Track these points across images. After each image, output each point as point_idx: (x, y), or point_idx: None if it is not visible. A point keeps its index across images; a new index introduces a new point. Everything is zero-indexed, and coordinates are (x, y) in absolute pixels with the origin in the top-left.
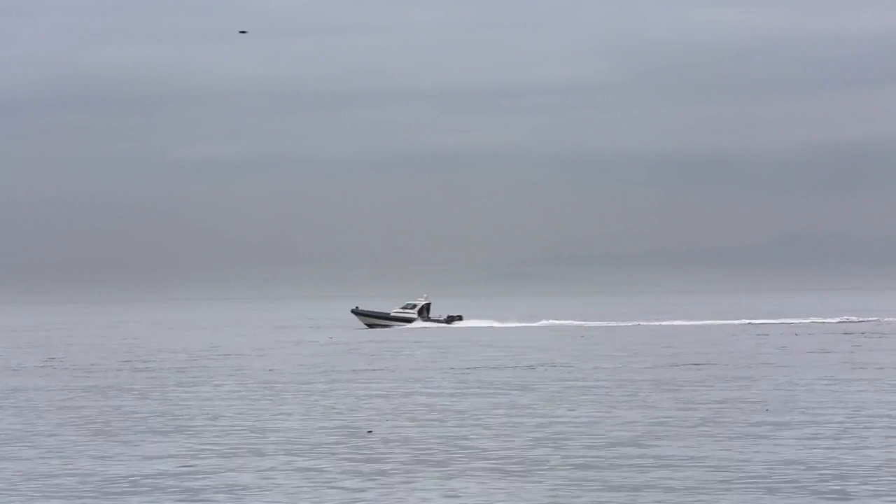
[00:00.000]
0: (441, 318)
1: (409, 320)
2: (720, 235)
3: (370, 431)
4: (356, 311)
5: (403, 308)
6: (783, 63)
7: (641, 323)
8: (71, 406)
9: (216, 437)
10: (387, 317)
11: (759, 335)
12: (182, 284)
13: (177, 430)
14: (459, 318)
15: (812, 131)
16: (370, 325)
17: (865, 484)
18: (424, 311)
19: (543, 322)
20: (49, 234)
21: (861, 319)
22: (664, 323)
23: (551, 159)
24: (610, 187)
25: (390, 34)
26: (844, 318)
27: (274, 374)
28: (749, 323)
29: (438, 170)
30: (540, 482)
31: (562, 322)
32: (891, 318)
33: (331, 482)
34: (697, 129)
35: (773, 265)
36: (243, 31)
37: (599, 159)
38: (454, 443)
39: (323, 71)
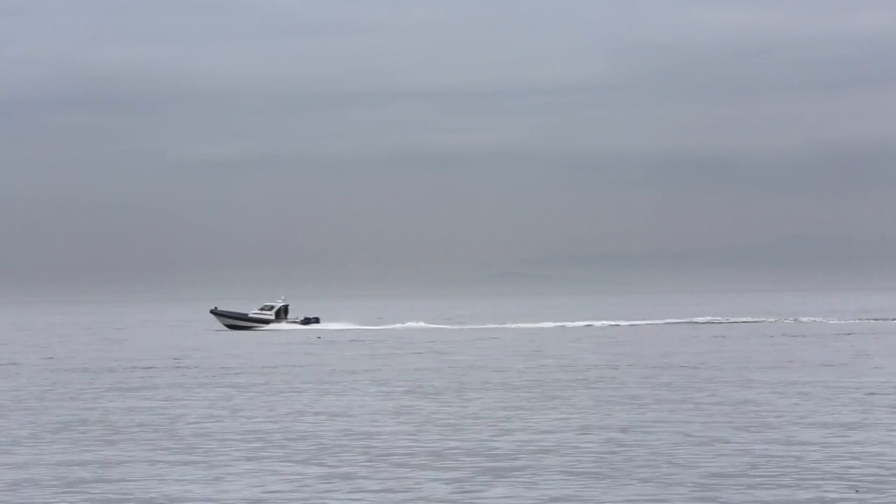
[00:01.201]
0: (298, 320)
1: (267, 321)
2: (720, 235)
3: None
4: (215, 312)
5: (261, 309)
6: (783, 63)
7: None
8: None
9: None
10: (245, 318)
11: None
12: (182, 284)
13: (152, 434)
14: (316, 320)
15: (812, 131)
16: (229, 326)
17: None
18: (282, 313)
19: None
20: (49, 234)
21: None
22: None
23: (551, 159)
24: (610, 187)
25: (390, 34)
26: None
27: (268, 376)
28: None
29: (438, 170)
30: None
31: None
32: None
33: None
34: (697, 129)
35: (773, 265)
36: None
37: (599, 159)
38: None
39: (323, 71)
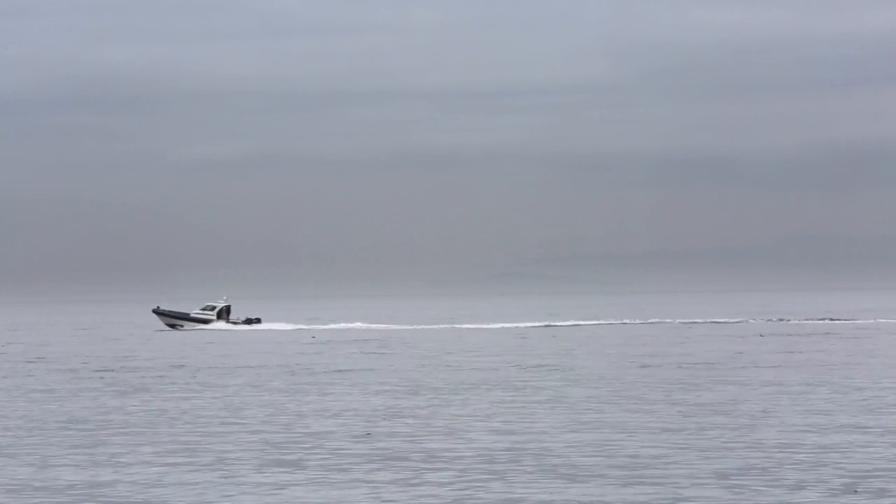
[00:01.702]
0: (239, 320)
1: (208, 321)
2: (720, 235)
3: (369, 434)
4: (157, 311)
5: (203, 309)
6: (784, 63)
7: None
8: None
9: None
10: (186, 317)
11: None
12: (182, 284)
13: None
14: (258, 320)
15: (812, 131)
16: (171, 326)
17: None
18: (224, 313)
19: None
20: (49, 234)
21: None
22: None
23: (551, 159)
24: (610, 187)
25: (391, 34)
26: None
27: (262, 377)
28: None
29: (438, 170)
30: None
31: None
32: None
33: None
34: (698, 129)
35: (773, 265)
36: None
37: (599, 159)
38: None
39: (323, 70)
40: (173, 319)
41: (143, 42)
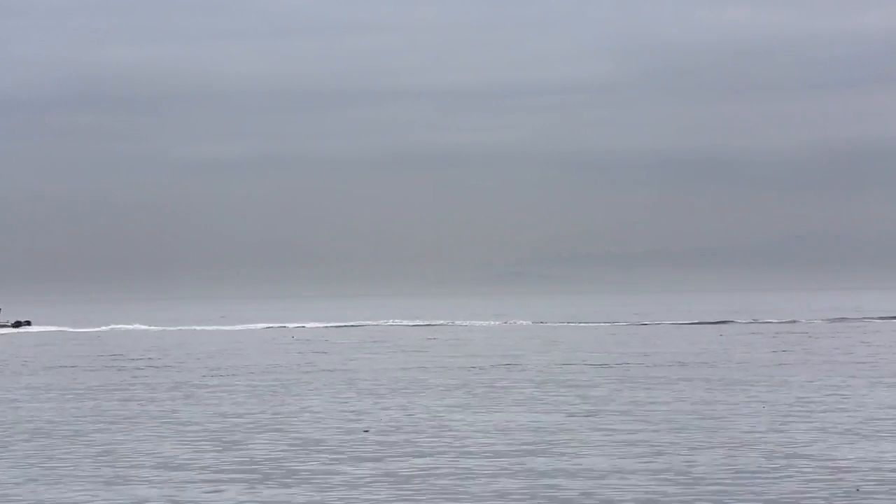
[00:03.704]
0: (9, 323)
1: None
2: (720, 235)
3: (367, 430)
4: None
5: None
6: (785, 63)
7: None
8: None
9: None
10: None
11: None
12: (184, 283)
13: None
14: (28, 322)
15: (812, 131)
16: None
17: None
18: None
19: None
20: (50, 233)
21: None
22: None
23: (552, 159)
24: (611, 187)
25: (392, 33)
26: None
27: (257, 375)
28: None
29: (439, 169)
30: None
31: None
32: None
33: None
34: (699, 129)
35: (773, 265)
36: None
37: (600, 159)
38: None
39: (325, 70)
40: None
41: (144, 42)
